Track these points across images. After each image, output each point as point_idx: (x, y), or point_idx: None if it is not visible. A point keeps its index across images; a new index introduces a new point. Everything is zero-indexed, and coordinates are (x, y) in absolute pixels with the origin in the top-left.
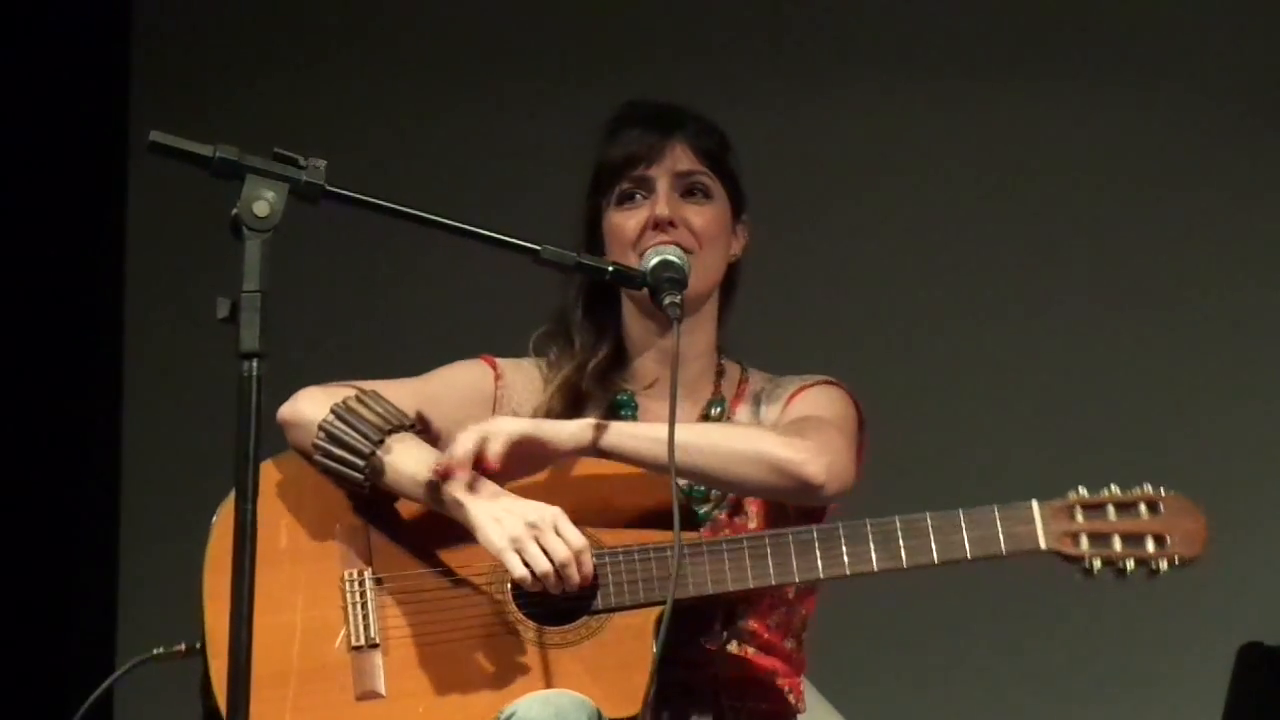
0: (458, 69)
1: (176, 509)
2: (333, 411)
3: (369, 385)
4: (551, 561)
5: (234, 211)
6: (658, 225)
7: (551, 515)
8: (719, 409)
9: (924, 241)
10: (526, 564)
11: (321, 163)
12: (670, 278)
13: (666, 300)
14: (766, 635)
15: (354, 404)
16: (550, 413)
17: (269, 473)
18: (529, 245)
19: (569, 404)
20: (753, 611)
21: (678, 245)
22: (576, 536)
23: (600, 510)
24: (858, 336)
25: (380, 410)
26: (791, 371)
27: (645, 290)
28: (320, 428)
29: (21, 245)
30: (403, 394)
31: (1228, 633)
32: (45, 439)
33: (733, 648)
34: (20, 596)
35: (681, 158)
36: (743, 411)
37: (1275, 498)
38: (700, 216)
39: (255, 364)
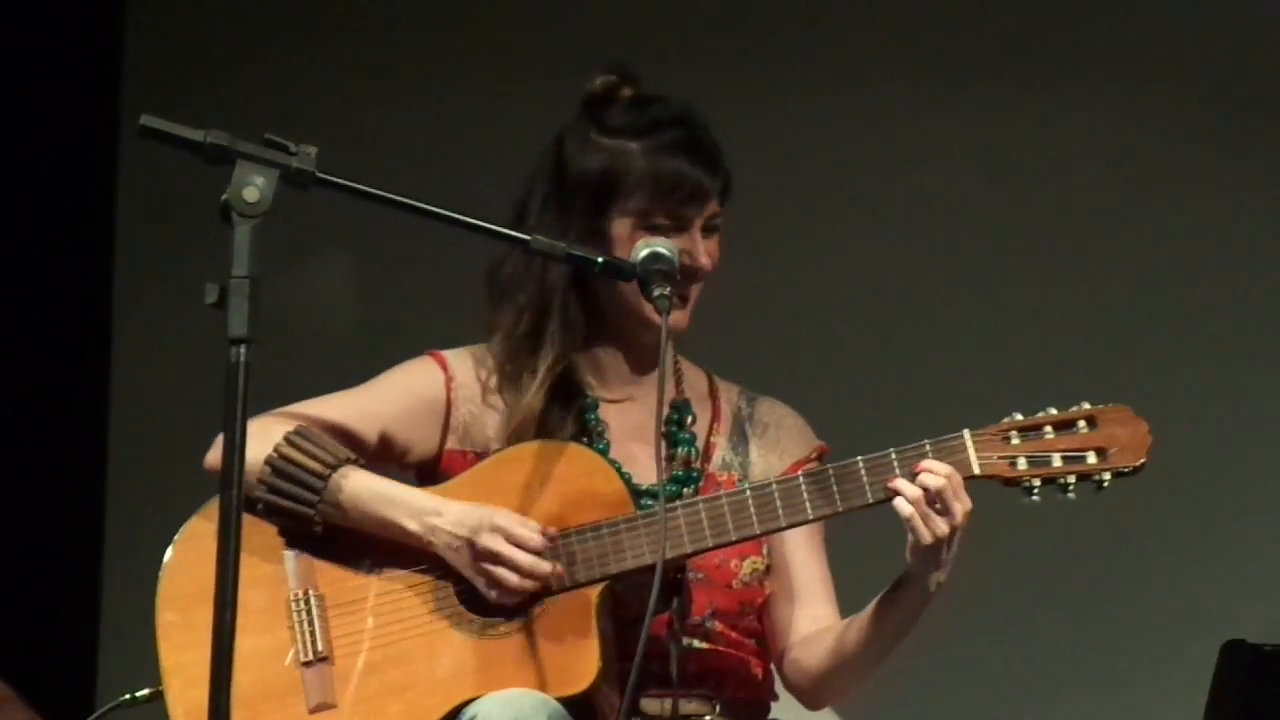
0: (446, 58)
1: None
2: (268, 465)
3: (301, 409)
4: (518, 570)
5: (224, 197)
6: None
7: (504, 523)
8: (690, 416)
9: (907, 241)
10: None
11: (312, 149)
12: (661, 270)
13: (656, 292)
14: (734, 635)
15: (288, 451)
16: (526, 415)
17: (208, 517)
18: (518, 235)
19: (545, 404)
20: (721, 617)
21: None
22: (530, 536)
23: (547, 503)
24: (833, 336)
25: (317, 453)
26: (747, 379)
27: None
28: (260, 481)
29: (11, 229)
30: (345, 409)
31: (1210, 630)
32: (31, 446)
33: (701, 643)
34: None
35: (713, 202)
36: (722, 443)
37: (1260, 495)
38: (714, 249)
39: (244, 350)
